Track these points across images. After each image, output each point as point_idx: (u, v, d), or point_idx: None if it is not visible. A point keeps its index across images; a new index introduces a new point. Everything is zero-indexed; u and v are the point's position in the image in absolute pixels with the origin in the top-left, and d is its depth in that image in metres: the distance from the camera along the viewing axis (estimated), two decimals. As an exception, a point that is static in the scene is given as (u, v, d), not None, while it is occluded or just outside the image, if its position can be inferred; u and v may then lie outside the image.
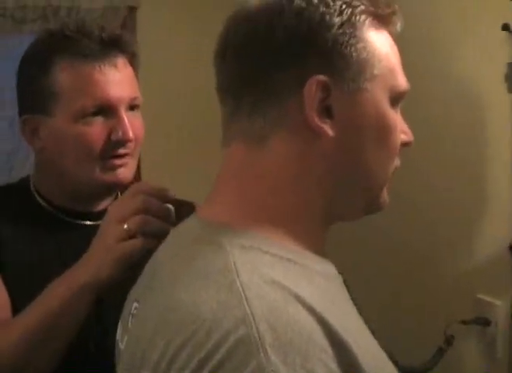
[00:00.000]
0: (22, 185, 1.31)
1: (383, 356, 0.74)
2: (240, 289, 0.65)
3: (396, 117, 0.79)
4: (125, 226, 1.01)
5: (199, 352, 0.62)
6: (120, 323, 0.89)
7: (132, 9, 2.96)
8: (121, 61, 1.22)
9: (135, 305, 0.82)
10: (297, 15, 0.73)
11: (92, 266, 1.04)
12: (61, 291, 1.05)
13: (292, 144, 0.74)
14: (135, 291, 0.88)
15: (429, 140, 1.86)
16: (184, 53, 2.87)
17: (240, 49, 0.76)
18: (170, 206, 1.06)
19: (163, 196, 1.04)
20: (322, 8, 0.73)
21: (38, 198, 1.28)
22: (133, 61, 1.27)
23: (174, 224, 1.00)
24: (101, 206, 1.29)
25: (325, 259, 0.78)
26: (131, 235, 1.02)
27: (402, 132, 0.81)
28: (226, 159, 0.81)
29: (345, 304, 0.76)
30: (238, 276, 0.66)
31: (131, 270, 1.03)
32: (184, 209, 1.04)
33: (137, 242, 1.02)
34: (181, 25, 2.88)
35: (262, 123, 0.75)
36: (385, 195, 0.83)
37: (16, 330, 1.04)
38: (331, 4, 0.74)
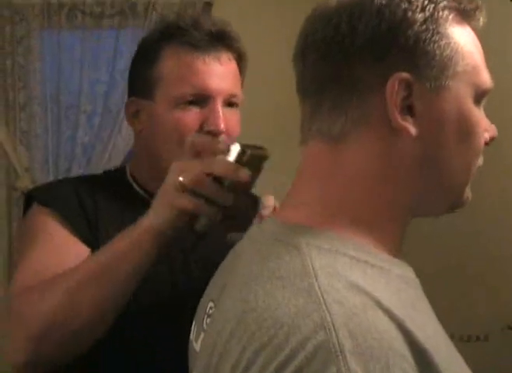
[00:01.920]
0: (119, 172, 1.35)
1: (462, 364, 0.72)
2: (319, 293, 0.63)
3: (479, 115, 0.76)
4: (180, 178, 1.00)
5: (277, 357, 0.61)
6: (194, 322, 0.89)
7: (208, 5, 3.00)
8: (225, 56, 1.25)
9: (211, 304, 0.82)
10: (378, 12, 0.72)
11: (150, 211, 1.04)
12: (122, 238, 1.05)
13: (374, 143, 0.73)
14: (211, 290, 0.88)
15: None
16: (258, 48, 2.87)
17: (320, 48, 0.75)
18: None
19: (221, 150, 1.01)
20: (404, 5, 0.72)
21: (134, 185, 1.31)
22: (239, 61, 1.28)
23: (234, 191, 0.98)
24: None
25: (403, 262, 0.76)
26: (184, 190, 1.00)
27: (485, 130, 0.79)
28: (306, 158, 0.80)
29: (425, 309, 0.74)
30: (316, 279, 0.65)
31: (193, 233, 1.02)
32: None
33: (187, 201, 0.99)
34: (256, 21, 2.89)
35: (343, 121, 0.74)
36: (468, 192, 0.80)
37: (71, 276, 1.03)
38: (413, 0, 0.73)
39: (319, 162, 0.77)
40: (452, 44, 0.73)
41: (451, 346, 0.72)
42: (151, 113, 1.25)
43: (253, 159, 0.99)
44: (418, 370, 0.61)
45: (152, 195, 1.25)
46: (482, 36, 0.79)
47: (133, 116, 1.29)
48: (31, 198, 1.26)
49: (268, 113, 2.88)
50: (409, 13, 0.72)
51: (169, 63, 1.23)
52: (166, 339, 1.13)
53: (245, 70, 1.30)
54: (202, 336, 0.81)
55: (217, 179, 0.98)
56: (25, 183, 2.95)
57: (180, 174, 1.00)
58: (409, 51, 0.71)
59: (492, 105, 0.83)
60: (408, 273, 0.76)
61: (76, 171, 3.01)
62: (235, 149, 0.98)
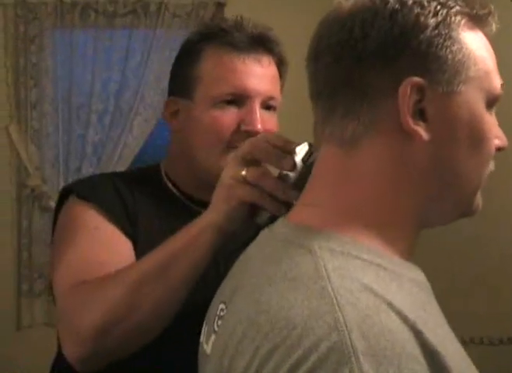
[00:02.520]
0: (153, 170, 1.34)
1: (473, 369, 0.72)
2: (332, 295, 0.63)
3: (491, 120, 0.76)
4: (243, 172, 0.97)
5: (290, 358, 0.61)
6: (205, 324, 0.89)
7: (220, 5, 3.01)
8: (266, 59, 1.25)
9: (222, 306, 0.82)
10: (391, 17, 0.72)
11: (209, 208, 1.02)
12: (180, 236, 1.04)
13: (386, 147, 0.73)
14: (221, 291, 0.87)
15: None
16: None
17: (333, 52, 0.75)
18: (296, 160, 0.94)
19: (287, 151, 0.97)
20: (416, 10, 0.72)
21: (169, 184, 1.31)
22: (280, 65, 1.28)
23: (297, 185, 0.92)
24: None
25: (415, 266, 0.76)
26: (248, 183, 0.97)
27: (496, 137, 0.79)
28: (318, 162, 0.80)
29: (437, 313, 0.74)
30: (329, 281, 0.65)
31: (250, 225, 1.01)
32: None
33: (248, 192, 0.97)
34: (268, 21, 2.88)
35: (356, 125, 0.74)
36: (479, 199, 0.80)
37: (132, 272, 1.04)
38: (426, 5, 0.72)
39: (332, 166, 0.77)
40: (464, 49, 0.73)
41: (462, 351, 0.72)
42: (189, 112, 1.25)
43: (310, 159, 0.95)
44: (430, 371, 0.61)
45: (185, 195, 1.29)
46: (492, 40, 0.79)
47: (172, 116, 1.29)
48: (68, 193, 1.25)
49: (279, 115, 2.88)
50: (422, 18, 0.72)
51: (209, 63, 1.23)
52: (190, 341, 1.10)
53: (285, 75, 1.30)
54: (213, 337, 0.81)
55: (280, 177, 0.97)
56: (35, 182, 2.97)
57: (237, 165, 0.99)
58: (421, 56, 0.71)
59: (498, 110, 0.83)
60: (420, 276, 0.76)
61: (86, 170, 3.02)
62: (303, 148, 0.95)
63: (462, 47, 0.73)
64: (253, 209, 0.99)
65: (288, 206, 0.95)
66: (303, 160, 0.94)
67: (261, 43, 1.25)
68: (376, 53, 0.72)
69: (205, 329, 0.88)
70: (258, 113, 1.20)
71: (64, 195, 1.25)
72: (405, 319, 0.64)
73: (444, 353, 0.64)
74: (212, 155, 1.21)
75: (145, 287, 1.01)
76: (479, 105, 0.74)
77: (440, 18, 0.72)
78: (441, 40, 0.72)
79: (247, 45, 1.23)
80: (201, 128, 1.23)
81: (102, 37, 3.02)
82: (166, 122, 1.32)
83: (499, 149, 0.80)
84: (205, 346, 0.85)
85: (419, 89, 0.71)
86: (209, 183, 1.14)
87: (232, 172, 0.99)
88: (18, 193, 3.02)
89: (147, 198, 1.26)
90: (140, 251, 1.14)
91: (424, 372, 0.61)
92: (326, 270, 0.67)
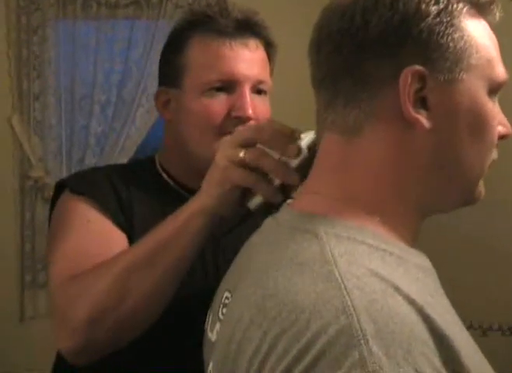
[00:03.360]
0: (148, 162, 1.34)
1: (480, 354, 0.72)
2: (339, 279, 0.63)
3: (494, 108, 0.76)
4: (241, 154, 0.94)
5: (298, 342, 0.61)
6: (209, 312, 0.89)
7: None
8: (253, 43, 1.23)
9: (227, 294, 0.82)
10: (392, 5, 0.71)
11: (200, 192, 1.00)
12: (169, 222, 1.02)
13: (388, 135, 0.73)
14: (226, 279, 0.88)
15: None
16: (274, 37, 2.87)
17: (335, 41, 0.75)
18: (301, 147, 0.91)
19: (293, 138, 0.94)
20: None
21: (164, 175, 1.31)
22: (268, 48, 1.27)
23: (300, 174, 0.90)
24: None
25: (420, 252, 0.76)
26: (244, 166, 0.94)
27: (500, 124, 0.78)
28: (321, 149, 0.80)
29: (442, 298, 0.74)
30: (336, 266, 0.65)
31: (242, 214, 0.99)
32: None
33: (250, 176, 0.94)
34: (273, 9, 2.88)
35: (357, 113, 0.74)
36: (481, 187, 0.80)
37: (120, 261, 1.02)
38: None
39: (334, 154, 0.78)
40: (466, 37, 0.72)
41: (469, 337, 0.72)
42: (180, 101, 1.24)
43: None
44: (439, 355, 0.61)
45: (179, 184, 1.29)
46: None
47: (163, 106, 1.29)
48: (62, 187, 1.25)
49: (283, 105, 2.87)
50: (423, 5, 0.71)
51: (195, 50, 1.23)
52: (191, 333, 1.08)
53: (274, 58, 1.29)
54: (218, 325, 0.81)
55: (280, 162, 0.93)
56: (38, 173, 2.97)
57: (236, 147, 0.96)
58: (423, 44, 0.71)
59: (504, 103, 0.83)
60: (426, 262, 0.76)
61: (89, 161, 3.03)
62: (309, 136, 0.92)
63: (464, 35, 0.72)
64: (244, 194, 0.97)
65: (284, 193, 0.94)
66: (309, 147, 0.91)
67: (247, 27, 1.23)
68: (377, 41, 0.72)
69: (209, 318, 0.88)
70: (248, 97, 1.19)
71: (59, 189, 1.25)
72: (412, 303, 0.64)
73: (453, 337, 0.64)
74: (204, 143, 1.20)
75: (133, 276, 1.00)
76: (481, 93, 0.74)
77: (441, 5, 0.72)
78: (443, 28, 0.71)
79: (233, 30, 1.22)
80: (191, 117, 1.22)
81: (104, 28, 3.01)
82: (158, 112, 1.32)
83: (503, 137, 0.80)
84: (209, 334, 0.85)
85: (420, 77, 0.71)
86: (202, 170, 1.13)
87: (228, 153, 0.96)
88: (21, 184, 3.03)
89: (142, 189, 1.26)
90: (138, 239, 1.12)
91: (433, 355, 0.61)
92: (333, 255, 0.67)
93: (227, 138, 0.99)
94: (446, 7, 0.72)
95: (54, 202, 1.25)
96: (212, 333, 0.83)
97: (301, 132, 0.93)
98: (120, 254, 1.05)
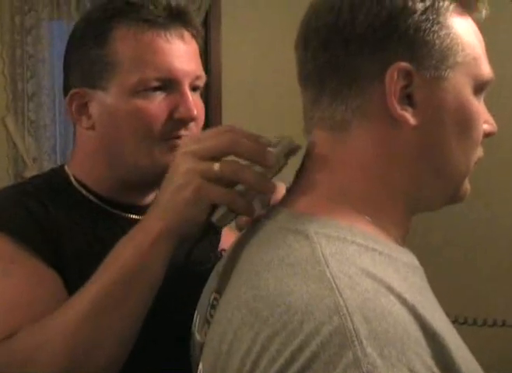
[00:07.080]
0: (59, 176, 1.14)
1: (468, 351, 0.71)
2: (331, 279, 0.63)
3: (479, 106, 0.76)
4: (216, 167, 0.81)
5: (291, 343, 0.60)
6: (196, 313, 0.88)
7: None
8: (188, 34, 1.08)
9: (214, 295, 0.81)
10: (379, 1, 0.71)
11: (163, 210, 0.85)
12: (128, 249, 0.87)
13: (374, 133, 0.73)
14: (213, 281, 0.87)
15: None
16: (266, 33, 2.87)
17: (321, 36, 0.75)
18: (273, 151, 0.81)
19: (267, 147, 0.82)
20: None
21: (80, 189, 1.12)
22: (198, 40, 1.12)
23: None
24: (148, 199, 1.14)
25: (408, 250, 0.76)
26: (218, 180, 0.81)
27: (485, 122, 0.79)
28: (309, 147, 0.80)
29: (431, 297, 0.74)
30: (327, 266, 0.64)
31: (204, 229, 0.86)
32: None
33: (228, 193, 0.81)
34: (263, 6, 2.89)
35: (344, 110, 0.74)
36: (466, 185, 0.80)
37: (74, 312, 0.87)
38: None
39: (322, 151, 0.77)
40: (452, 34, 0.73)
41: (456, 334, 0.72)
42: (104, 104, 1.06)
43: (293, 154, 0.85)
44: (431, 353, 0.61)
45: (102, 199, 1.11)
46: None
47: (79, 112, 1.09)
48: None
49: (270, 103, 2.88)
50: (410, 3, 0.71)
51: (123, 44, 1.05)
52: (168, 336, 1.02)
53: (202, 50, 1.15)
54: (207, 326, 0.80)
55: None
56: (32, 173, 2.96)
57: (203, 159, 0.82)
58: (409, 41, 0.71)
59: (497, 104, 0.83)
60: (414, 261, 0.76)
61: (84, 161, 3.02)
62: (281, 143, 0.83)
63: (450, 33, 0.73)
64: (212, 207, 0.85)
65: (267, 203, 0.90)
66: (286, 155, 0.83)
67: (179, 16, 1.08)
68: (363, 37, 0.72)
69: (196, 319, 0.87)
70: (190, 97, 1.06)
71: None
72: (404, 302, 0.63)
73: (443, 334, 0.64)
74: (141, 151, 1.05)
75: (103, 318, 0.86)
76: (467, 91, 0.74)
77: (428, 3, 0.72)
78: (429, 25, 0.71)
79: (166, 20, 1.06)
80: (122, 121, 1.05)
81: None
82: (71, 120, 1.12)
83: (488, 135, 0.80)
84: (197, 336, 0.85)
85: (407, 74, 0.71)
86: (133, 182, 1.06)
87: (199, 168, 0.81)
88: (15, 184, 3.02)
89: (63, 212, 1.07)
90: (72, 271, 1.00)
91: (426, 354, 0.61)
92: (323, 255, 0.66)
93: (187, 149, 0.83)
94: (432, 4, 0.72)
95: None
96: (200, 335, 0.82)
97: (276, 139, 0.85)
98: (76, 299, 0.89)
